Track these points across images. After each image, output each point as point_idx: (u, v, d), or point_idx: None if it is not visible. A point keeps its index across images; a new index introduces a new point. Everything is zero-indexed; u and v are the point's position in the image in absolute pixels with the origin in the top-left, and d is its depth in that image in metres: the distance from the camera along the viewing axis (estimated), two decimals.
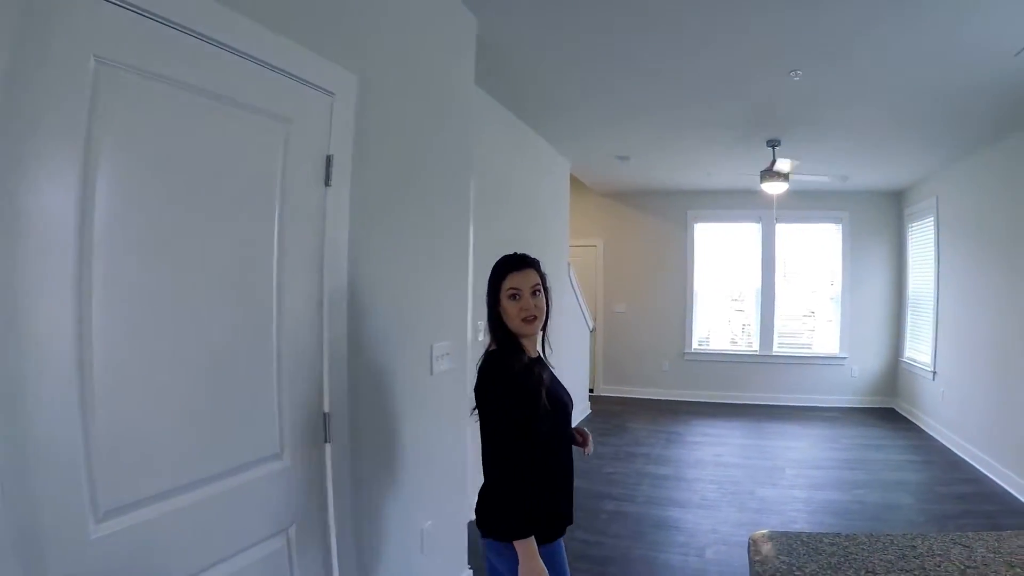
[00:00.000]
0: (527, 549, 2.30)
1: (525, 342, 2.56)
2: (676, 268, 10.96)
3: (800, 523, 5.45)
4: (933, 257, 8.71)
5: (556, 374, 2.76)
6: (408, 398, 3.38)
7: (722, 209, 10.77)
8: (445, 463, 3.81)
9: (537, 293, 2.53)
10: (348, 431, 2.81)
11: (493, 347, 2.56)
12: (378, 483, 3.11)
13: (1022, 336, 6.44)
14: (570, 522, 2.61)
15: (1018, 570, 1.71)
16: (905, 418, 9.44)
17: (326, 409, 2.69)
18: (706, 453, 7.59)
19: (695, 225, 10.95)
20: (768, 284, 10.62)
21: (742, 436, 8.49)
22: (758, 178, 7.30)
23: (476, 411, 2.51)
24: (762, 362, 10.61)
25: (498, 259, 2.63)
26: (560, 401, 2.56)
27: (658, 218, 11.01)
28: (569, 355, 8.54)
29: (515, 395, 2.39)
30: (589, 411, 9.75)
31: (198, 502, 2.10)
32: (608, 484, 6.41)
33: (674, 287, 10.95)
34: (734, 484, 6.43)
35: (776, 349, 10.63)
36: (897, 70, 4.84)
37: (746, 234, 10.85)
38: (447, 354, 3.77)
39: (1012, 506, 5.96)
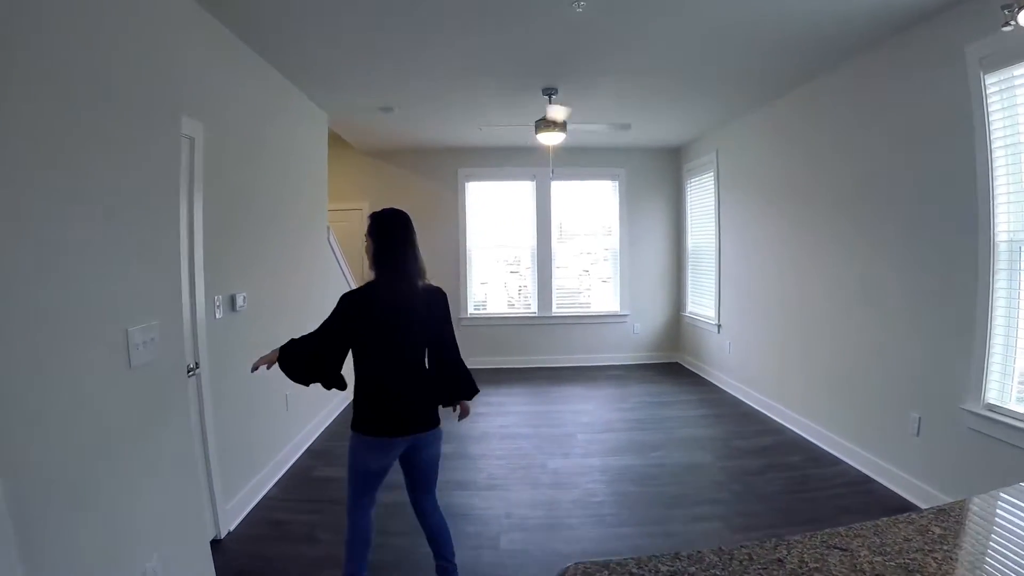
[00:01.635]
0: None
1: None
2: (448, 230, 10.34)
3: (601, 495, 5.01)
4: (713, 211, 8.61)
5: None
6: (97, 401, 2.53)
7: (496, 167, 10.24)
8: (169, 478, 2.99)
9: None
10: None
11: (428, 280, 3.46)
12: (59, 518, 2.25)
13: (798, 283, 6.42)
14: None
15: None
16: (691, 372, 9.40)
17: None
18: (490, 425, 7.02)
19: (467, 184, 10.35)
20: (544, 244, 10.22)
21: (527, 403, 8.00)
22: (532, 128, 6.72)
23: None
24: (542, 323, 10.23)
25: (389, 211, 3.51)
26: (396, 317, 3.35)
27: (428, 178, 10.32)
28: None
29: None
30: None
31: None
32: None
33: (447, 250, 10.33)
34: (523, 457, 5.89)
35: (555, 310, 10.28)
36: (688, 11, 4.51)
37: (521, 193, 10.38)
38: (152, 339, 2.89)
39: (814, 454, 5.85)
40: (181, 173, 4.00)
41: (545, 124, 6.50)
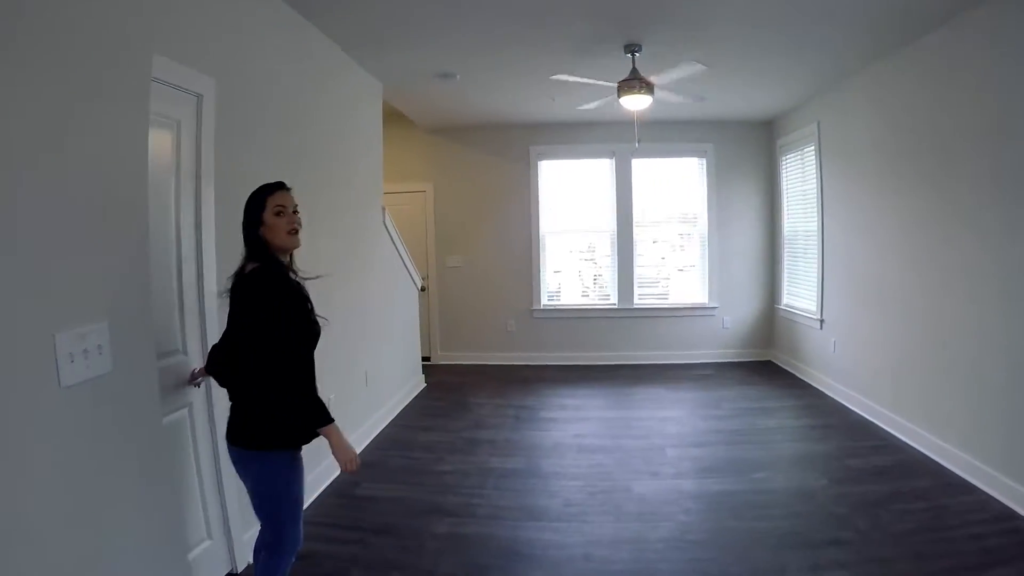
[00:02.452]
0: (336, 431, 2.69)
1: (282, 259, 2.78)
2: (519, 214, 9.46)
3: (697, 532, 4.11)
4: (815, 191, 7.56)
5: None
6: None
7: (571, 144, 9.31)
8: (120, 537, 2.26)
9: (297, 212, 2.82)
10: None
11: (254, 266, 2.67)
12: None
13: (924, 276, 5.43)
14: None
15: None
16: (787, 372, 8.35)
17: None
18: (565, 433, 6.14)
19: (540, 163, 9.44)
20: (625, 228, 9.27)
21: (606, 407, 7.11)
22: (614, 92, 5.77)
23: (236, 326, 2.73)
24: (622, 316, 9.29)
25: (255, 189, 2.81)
26: (316, 324, 2.84)
27: (497, 156, 9.46)
28: (393, 319, 7.15)
29: (295, 305, 2.66)
30: (424, 385, 8.17)
31: None
32: (441, 491, 4.87)
33: (518, 236, 9.47)
34: (604, 477, 5.00)
35: (637, 301, 9.32)
36: None
37: (598, 172, 9.44)
38: (98, 347, 2.16)
39: (945, 478, 4.85)
40: (182, 139, 3.40)
41: (629, 85, 5.56)
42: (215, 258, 3.63)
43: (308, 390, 2.66)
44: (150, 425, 2.45)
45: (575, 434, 6.08)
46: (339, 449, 2.66)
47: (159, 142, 3.17)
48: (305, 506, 4.57)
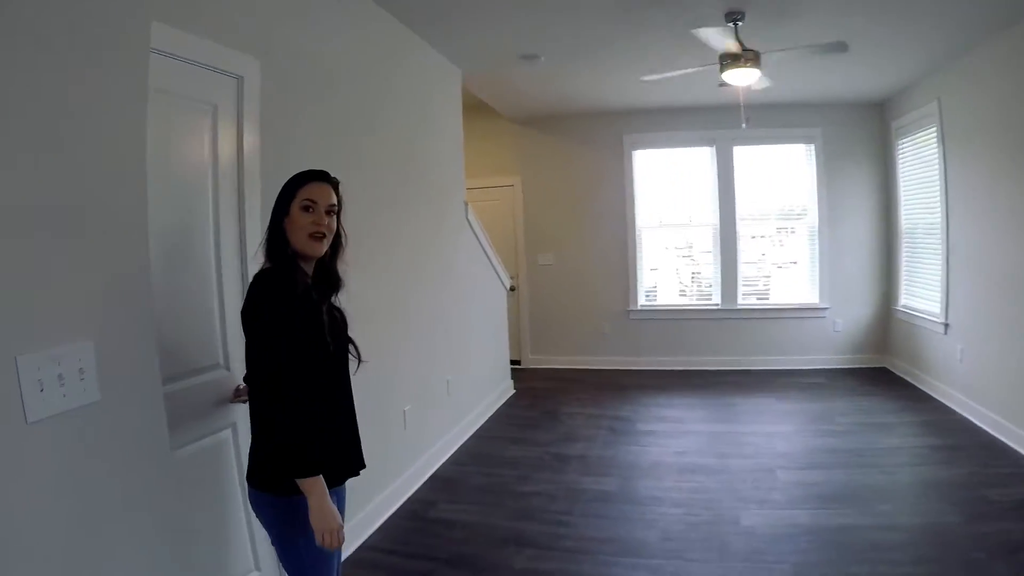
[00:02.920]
0: (318, 489, 2.06)
1: (302, 264, 2.33)
2: (613, 208, 8.87)
3: None
4: (938, 179, 6.75)
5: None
6: None
7: (667, 131, 8.66)
8: None
9: (332, 213, 2.35)
10: None
11: (268, 266, 2.29)
12: None
13: None
14: (353, 472, 2.45)
15: None
16: (905, 381, 7.51)
17: None
18: (664, 450, 5.57)
19: (634, 153, 8.83)
20: (728, 222, 8.57)
21: (709, 419, 6.50)
22: (717, 68, 5.15)
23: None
24: (725, 318, 8.59)
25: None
26: (342, 335, 2.44)
27: (588, 147, 8.90)
28: (478, 323, 6.82)
29: (301, 315, 2.16)
30: (512, 392, 7.72)
31: None
32: (523, 516, 4.40)
33: (612, 231, 8.88)
34: (708, 505, 4.42)
35: (741, 301, 8.61)
36: None
37: (697, 162, 8.77)
38: (78, 372, 1.81)
39: None
40: (220, 127, 2.97)
41: (733, 59, 4.95)
42: (262, 260, 3.24)
43: (296, 425, 2.04)
44: (155, 461, 2.10)
45: (676, 451, 5.51)
46: (316, 514, 2.04)
47: (191, 129, 2.82)
48: (374, 527, 4.22)
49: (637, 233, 8.85)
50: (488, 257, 7.19)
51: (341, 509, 2.34)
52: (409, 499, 4.72)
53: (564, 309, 9.05)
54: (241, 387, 2.90)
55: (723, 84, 5.33)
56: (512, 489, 4.85)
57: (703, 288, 8.83)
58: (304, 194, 2.29)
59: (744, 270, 8.64)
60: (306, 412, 2.06)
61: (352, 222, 4.02)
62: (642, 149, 8.82)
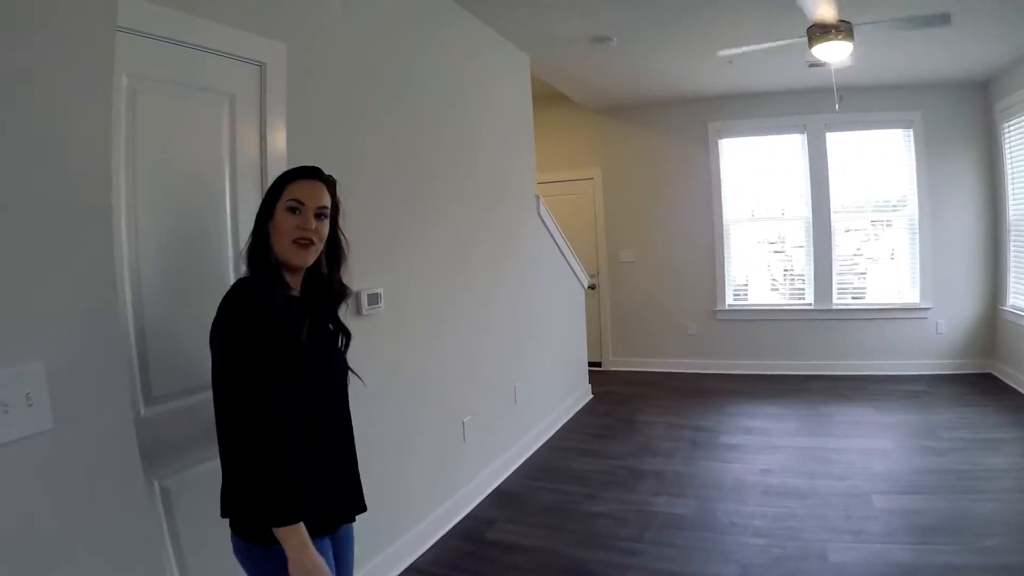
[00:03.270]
0: (296, 539, 1.76)
1: (288, 276, 2.06)
2: (699, 200, 8.40)
3: None
4: None
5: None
6: None
7: (754, 118, 8.14)
8: None
9: (322, 217, 2.07)
10: None
11: (246, 275, 2.03)
12: None
13: None
14: (348, 517, 2.16)
15: None
16: (1014, 390, 6.81)
17: None
18: (748, 467, 5.13)
19: (720, 142, 8.33)
20: (821, 214, 7.96)
21: (798, 431, 5.99)
22: (804, 41, 4.66)
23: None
24: (818, 319, 8.00)
25: None
26: (327, 358, 2.12)
27: (671, 136, 8.45)
28: (552, 324, 6.50)
29: (270, 334, 1.84)
30: (590, 396, 7.36)
31: None
32: (587, 542, 4.05)
33: (698, 225, 8.42)
34: (794, 534, 3.99)
35: (836, 300, 8.01)
36: None
37: (787, 150, 8.20)
38: (25, 396, 1.63)
39: None
40: (239, 120, 2.73)
41: (823, 32, 4.45)
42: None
43: (262, 469, 1.76)
44: (126, 494, 1.87)
45: (761, 468, 5.06)
46: (296, 568, 1.76)
47: (203, 123, 2.59)
48: (425, 547, 3.99)
49: (725, 227, 8.37)
50: (563, 254, 6.87)
51: (339, 557, 2.12)
52: (467, 516, 4.46)
53: (647, 308, 8.65)
54: None
55: (813, 64, 4.84)
56: (579, 509, 4.51)
57: (795, 285, 8.28)
58: (290, 193, 2.01)
59: (838, 266, 8.03)
60: (271, 453, 1.77)
61: (401, 222, 3.70)
62: (728, 138, 8.33)
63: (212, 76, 2.61)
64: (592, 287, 8.04)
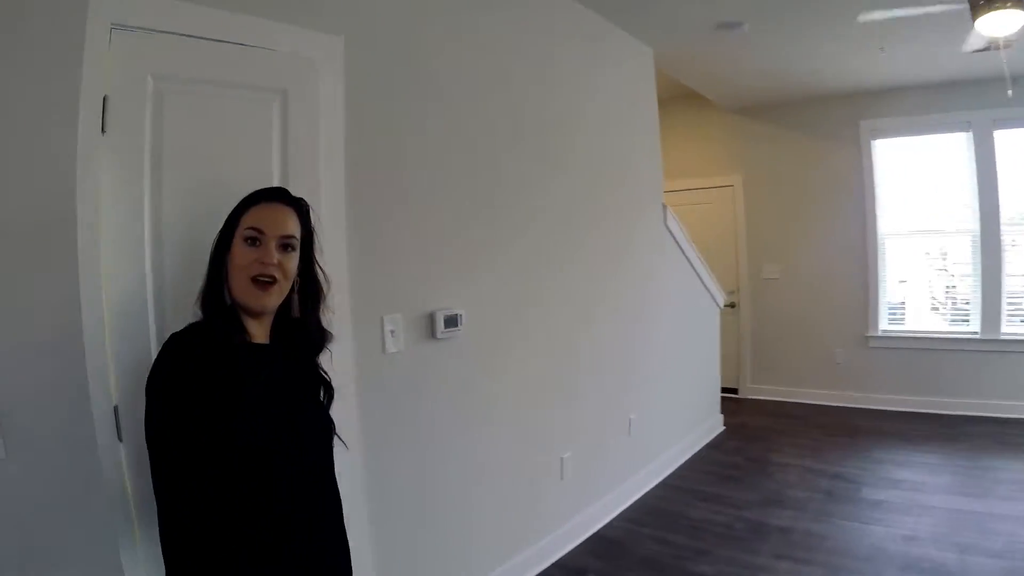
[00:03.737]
0: None
1: (250, 321, 1.76)
2: (850, 210, 7.51)
3: None
4: None
5: None
6: None
7: (911, 115, 7.15)
8: None
9: (289, 249, 1.76)
10: None
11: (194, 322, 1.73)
12: None
13: None
14: None
15: None
16: None
17: None
18: (890, 531, 4.32)
19: (873, 143, 7.42)
20: (990, 227, 6.85)
21: (952, 488, 5.06)
22: (966, 10, 3.87)
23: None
24: (986, 350, 6.88)
25: None
26: (296, 418, 1.75)
27: (819, 137, 7.61)
28: (679, 347, 5.93)
29: (197, 396, 1.53)
30: (720, 429, 6.71)
31: None
32: None
33: (849, 238, 7.52)
34: None
35: (1005, 329, 6.84)
36: None
37: (949, 152, 7.13)
38: None
39: None
40: (291, 119, 2.51)
41: (988, 0, 3.67)
42: (347, 282, 2.77)
43: (187, 556, 1.50)
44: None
45: (905, 535, 4.24)
46: None
47: (248, 125, 2.39)
48: None
49: (879, 241, 7.43)
50: (695, 269, 6.27)
51: None
52: (556, 563, 4.07)
53: (790, 331, 7.83)
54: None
55: (978, 49, 4.07)
56: (683, 567, 3.95)
57: (959, 307, 7.22)
58: (248, 221, 1.73)
59: (1010, 287, 6.87)
60: (199, 535, 1.51)
61: (485, 233, 3.69)
62: (883, 138, 7.40)
63: (257, 72, 2.44)
64: (731, 305, 7.44)
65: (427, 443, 3.24)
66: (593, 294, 4.63)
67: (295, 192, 1.91)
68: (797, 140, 7.69)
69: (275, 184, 2.24)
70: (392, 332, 3.03)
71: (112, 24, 1.98)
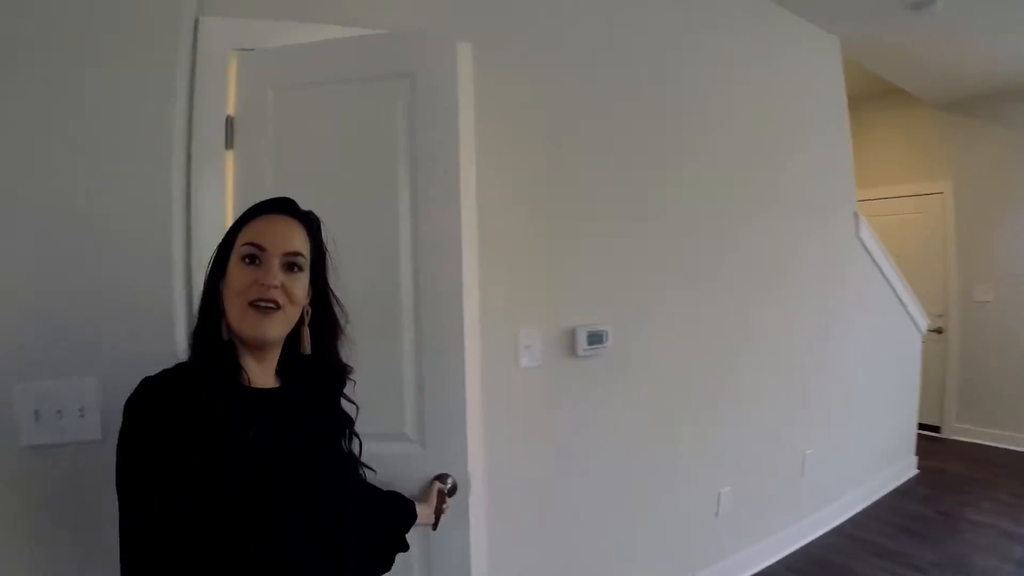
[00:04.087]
0: None
1: (250, 360, 1.44)
2: None
3: None
4: None
5: None
6: None
7: None
8: None
9: (295, 269, 1.45)
10: None
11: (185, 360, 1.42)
12: None
13: None
14: None
15: None
16: None
17: None
18: None
19: None
20: None
21: None
22: None
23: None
24: None
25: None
26: (312, 475, 1.43)
27: None
28: (868, 377, 5.24)
29: (181, 453, 1.21)
30: (913, 472, 5.86)
31: None
32: None
33: None
34: None
35: None
36: None
37: None
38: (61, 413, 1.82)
39: None
40: (419, 109, 2.21)
41: None
42: (477, 301, 2.66)
43: None
44: None
45: None
46: None
47: (369, 118, 2.19)
48: None
49: None
50: (892, 288, 5.52)
51: None
52: None
53: (1004, 363, 6.68)
54: (447, 486, 2.04)
55: None
56: None
57: None
58: (246, 236, 1.42)
59: None
60: None
61: (637, 243, 3.49)
62: None
63: (376, 62, 2.24)
64: (937, 331, 6.53)
65: (558, 462, 3.10)
66: (763, 311, 4.22)
67: (423, 198, 1.92)
68: (1015, 138, 6.60)
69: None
70: (527, 347, 2.94)
71: (232, 48, 2.13)
